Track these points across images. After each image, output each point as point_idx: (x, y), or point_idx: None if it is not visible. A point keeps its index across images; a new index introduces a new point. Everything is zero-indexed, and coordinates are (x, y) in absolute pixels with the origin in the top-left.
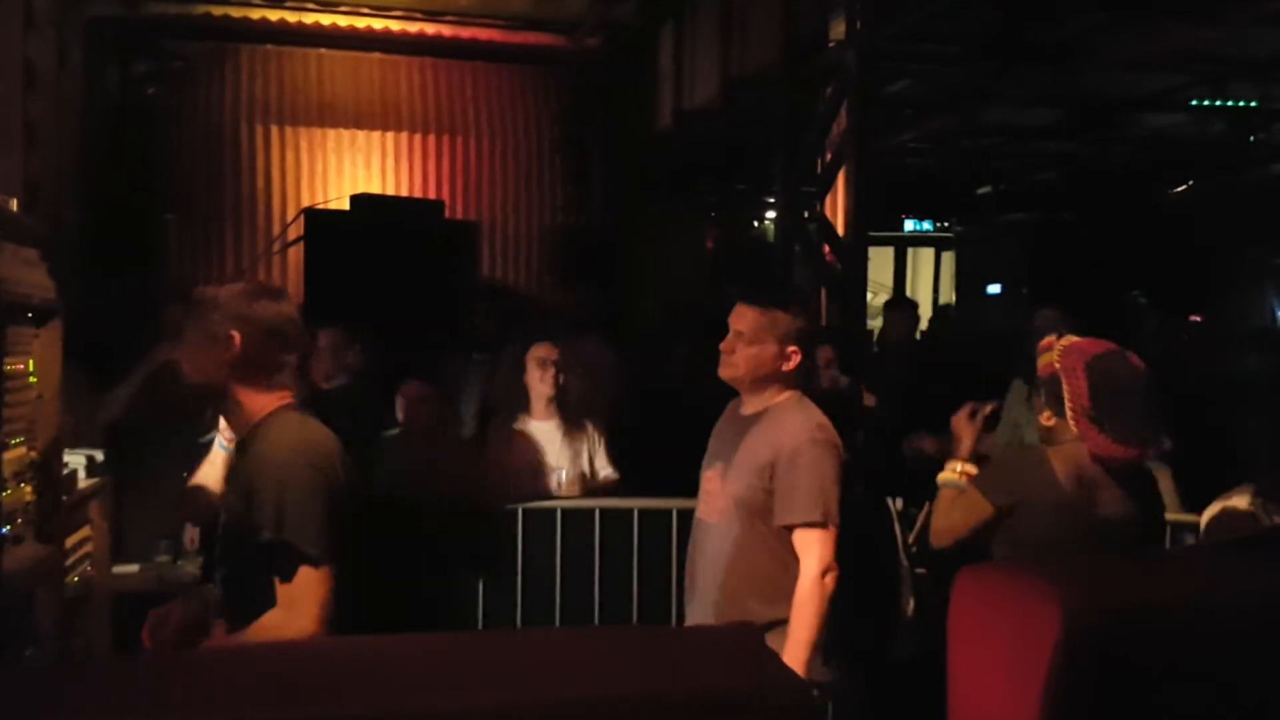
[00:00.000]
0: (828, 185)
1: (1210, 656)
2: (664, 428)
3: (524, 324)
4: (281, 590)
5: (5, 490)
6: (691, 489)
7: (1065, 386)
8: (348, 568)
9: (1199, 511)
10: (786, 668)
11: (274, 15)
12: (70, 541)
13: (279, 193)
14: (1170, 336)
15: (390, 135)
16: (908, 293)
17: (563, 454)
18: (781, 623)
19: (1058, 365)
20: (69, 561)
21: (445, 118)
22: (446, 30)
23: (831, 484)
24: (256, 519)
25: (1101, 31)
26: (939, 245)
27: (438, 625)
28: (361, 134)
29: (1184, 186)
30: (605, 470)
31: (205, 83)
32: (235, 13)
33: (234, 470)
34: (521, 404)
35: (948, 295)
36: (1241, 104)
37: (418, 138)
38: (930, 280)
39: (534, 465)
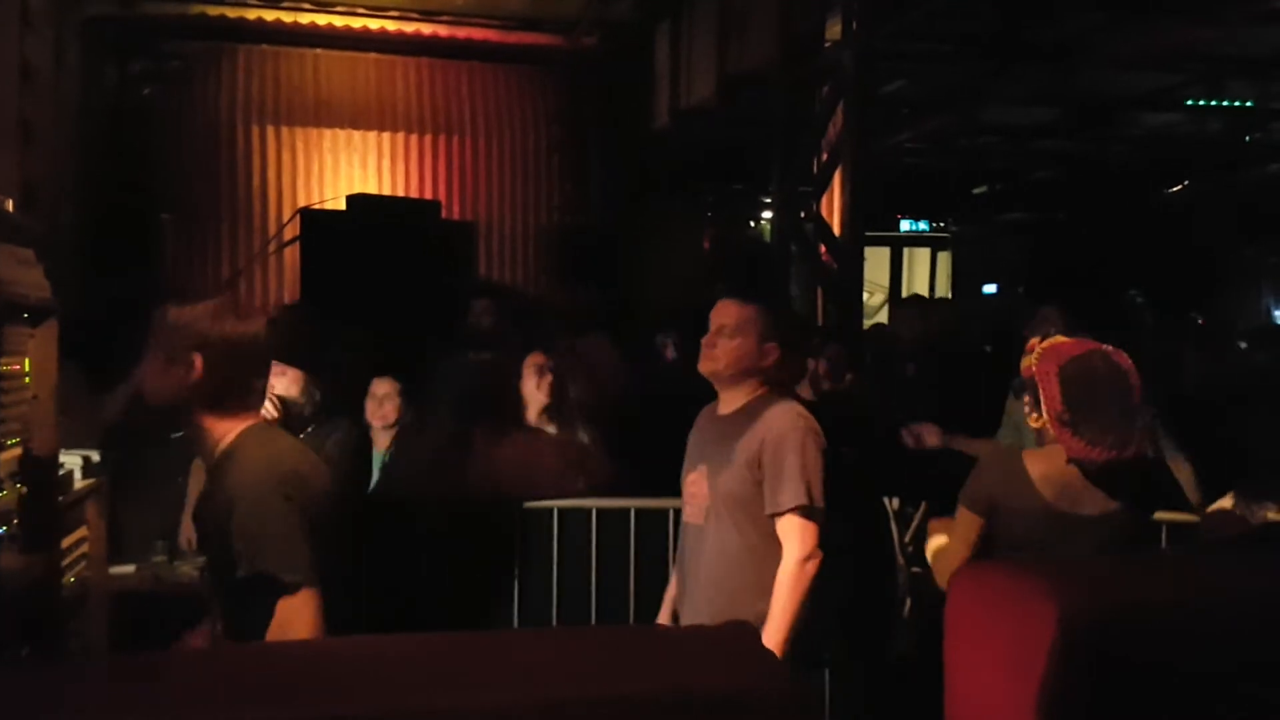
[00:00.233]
0: (824, 185)
1: (1204, 655)
2: (661, 427)
3: (521, 324)
4: (272, 625)
5: (0, 491)
6: None
7: (1040, 389)
8: (341, 570)
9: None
10: (783, 667)
11: (270, 15)
12: (66, 542)
13: (275, 192)
14: (1168, 336)
15: (386, 135)
16: (903, 294)
17: None
18: None
19: (1034, 368)
20: (65, 562)
21: (442, 118)
22: (443, 30)
23: (815, 470)
24: (235, 551)
25: (1098, 31)
26: (935, 245)
27: (435, 625)
28: (358, 134)
29: (1180, 186)
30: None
31: (202, 83)
32: (232, 13)
33: (207, 494)
34: (516, 410)
35: (944, 295)
36: (1238, 103)
37: (414, 138)
38: (926, 280)
39: (525, 472)
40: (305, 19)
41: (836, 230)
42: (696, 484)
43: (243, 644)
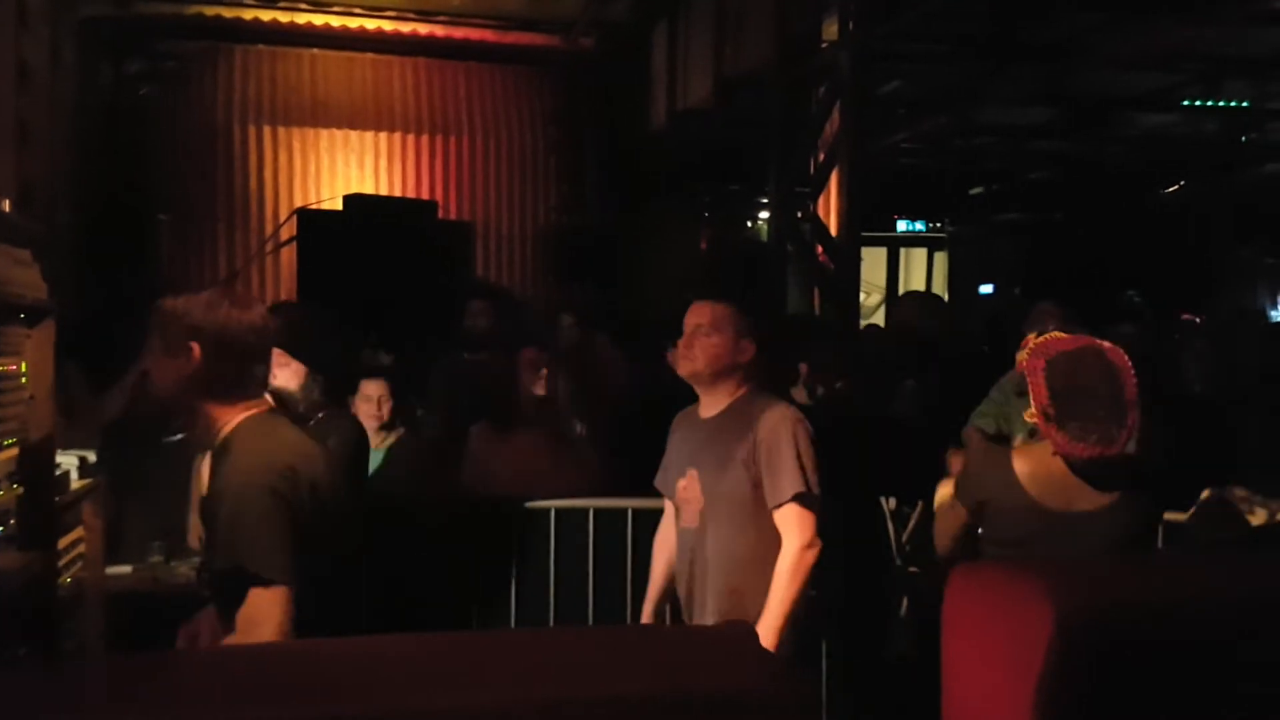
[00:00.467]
0: (821, 185)
1: (1201, 654)
2: (659, 428)
3: (518, 324)
4: (240, 614)
5: None
6: None
7: (1030, 383)
8: (338, 569)
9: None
10: (784, 665)
11: (267, 15)
12: (63, 542)
13: (272, 192)
14: (1166, 335)
15: (383, 135)
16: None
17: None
18: None
19: (1024, 364)
20: (62, 563)
21: (439, 118)
22: (439, 30)
23: (810, 458)
24: (219, 539)
25: (1094, 31)
26: (932, 245)
27: (434, 625)
28: (354, 134)
29: (1177, 186)
30: None
31: (198, 82)
32: (228, 13)
33: (211, 480)
34: (512, 410)
35: (940, 295)
36: (1234, 104)
37: (411, 138)
38: (923, 280)
39: (521, 472)
40: (302, 19)
41: (833, 230)
42: (689, 489)
43: (243, 644)
